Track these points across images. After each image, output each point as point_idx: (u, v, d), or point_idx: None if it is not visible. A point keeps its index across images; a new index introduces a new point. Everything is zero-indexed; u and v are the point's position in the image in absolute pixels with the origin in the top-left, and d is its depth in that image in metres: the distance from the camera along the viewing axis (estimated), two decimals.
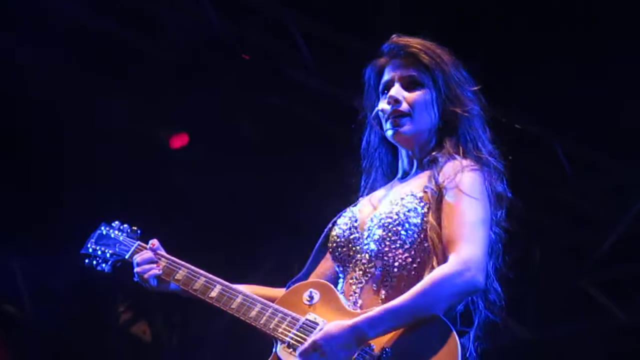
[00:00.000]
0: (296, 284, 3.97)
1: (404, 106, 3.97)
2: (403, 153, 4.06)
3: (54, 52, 7.73)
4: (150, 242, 4.21)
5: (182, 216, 8.78)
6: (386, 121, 3.99)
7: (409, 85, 4.00)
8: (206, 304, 4.03)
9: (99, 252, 4.30)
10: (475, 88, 4.03)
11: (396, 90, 3.99)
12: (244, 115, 8.56)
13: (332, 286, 3.89)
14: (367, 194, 4.12)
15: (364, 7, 7.58)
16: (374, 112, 4.04)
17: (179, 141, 8.71)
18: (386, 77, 4.05)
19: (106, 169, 8.31)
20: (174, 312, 9.69)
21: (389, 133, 3.98)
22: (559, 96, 7.54)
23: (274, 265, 9.02)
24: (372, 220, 3.88)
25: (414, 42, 4.04)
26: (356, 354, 3.62)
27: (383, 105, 4.00)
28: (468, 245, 3.68)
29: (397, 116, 3.96)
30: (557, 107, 7.67)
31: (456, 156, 3.89)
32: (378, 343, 3.63)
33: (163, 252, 4.17)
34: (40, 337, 9.28)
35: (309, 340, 3.66)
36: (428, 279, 3.65)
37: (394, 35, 4.09)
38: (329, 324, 3.69)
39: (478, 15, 7.36)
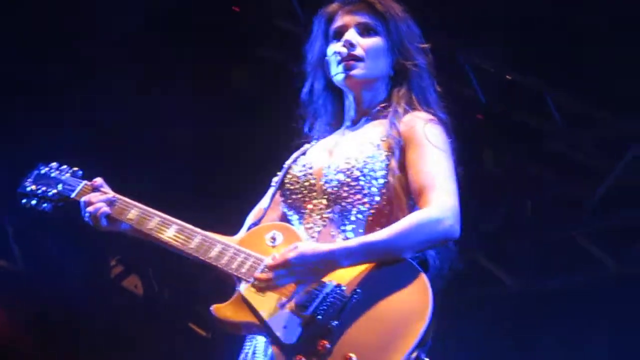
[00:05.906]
0: (256, 226, 3.89)
1: (359, 51, 3.95)
2: (350, 99, 4.02)
3: None
4: (94, 180, 4.04)
5: (163, 166, 8.70)
6: (338, 64, 3.95)
7: (363, 32, 3.99)
8: (161, 245, 3.87)
9: (39, 192, 4.10)
10: (425, 45, 4.03)
11: (352, 35, 3.97)
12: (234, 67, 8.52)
13: (294, 228, 3.82)
14: (315, 142, 4.09)
15: None
16: (328, 55, 3.99)
17: None
18: (339, 22, 4.03)
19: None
20: (165, 266, 9.69)
21: (340, 77, 3.95)
22: (550, 47, 7.51)
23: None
24: (329, 167, 3.85)
25: None
26: (324, 294, 3.55)
27: (338, 47, 3.95)
28: (444, 195, 3.66)
29: (350, 59, 3.94)
30: (547, 58, 7.64)
31: (413, 109, 3.89)
32: (348, 284, 3.58)
33: (108, 190, 4.00)
34: (32, 293, 9.27)
35: (281, 257, 3.59)
36: (408, 220, 3.62)
37: None
38: (303, 244, 3.64)
39: None
